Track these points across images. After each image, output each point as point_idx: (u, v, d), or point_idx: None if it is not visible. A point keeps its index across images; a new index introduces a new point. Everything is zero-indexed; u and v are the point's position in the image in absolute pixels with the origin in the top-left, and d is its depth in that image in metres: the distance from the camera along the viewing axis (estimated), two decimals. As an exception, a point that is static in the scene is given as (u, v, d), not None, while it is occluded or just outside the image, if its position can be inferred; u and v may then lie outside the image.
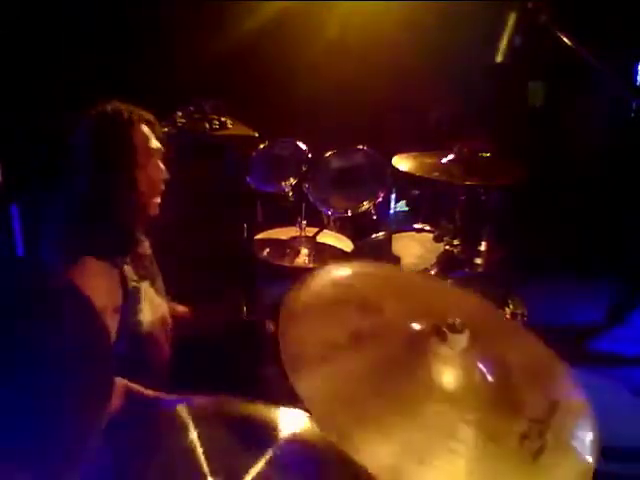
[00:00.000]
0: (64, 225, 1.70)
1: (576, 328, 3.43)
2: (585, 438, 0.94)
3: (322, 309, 1.09)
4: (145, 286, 1.76)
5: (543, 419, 0.94)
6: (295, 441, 1.11)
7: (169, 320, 1.92)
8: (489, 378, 1.02)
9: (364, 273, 1.24)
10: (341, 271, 1.22)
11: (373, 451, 0.86)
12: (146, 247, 1.87)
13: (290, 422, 1.15)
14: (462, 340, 1.05)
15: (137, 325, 1.71)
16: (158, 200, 1.80)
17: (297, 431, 1.13)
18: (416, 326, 1.06)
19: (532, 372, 1.07)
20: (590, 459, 0.91)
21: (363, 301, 1.10)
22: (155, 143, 1.75)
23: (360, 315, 1.07)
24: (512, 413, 0.96)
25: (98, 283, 1.59)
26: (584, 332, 3.38)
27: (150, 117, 1.75)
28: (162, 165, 1.78)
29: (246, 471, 1.05)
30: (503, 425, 0.94)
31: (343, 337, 1.03)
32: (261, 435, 1.12)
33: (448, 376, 1.00)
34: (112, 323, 1.62)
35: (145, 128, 1.72)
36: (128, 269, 1.69)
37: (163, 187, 1.80)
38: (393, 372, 1.00)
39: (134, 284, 1.70)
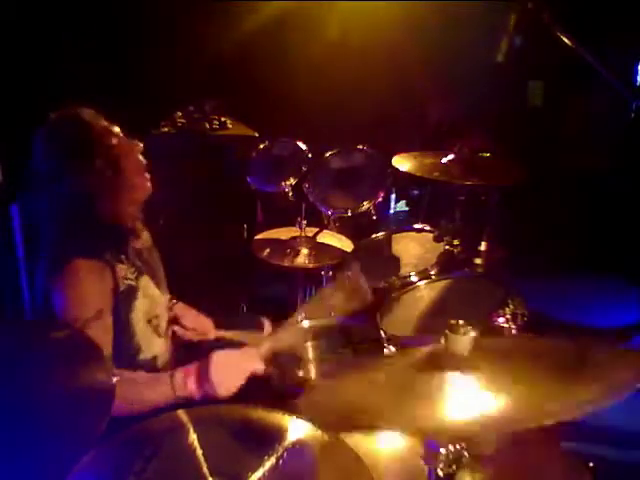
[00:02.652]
0: (50, 228, 1.69)
1: (577, 328, 3.42)
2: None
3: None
4: (144, 281, 1.75)
5: (572, 361, 1.01)
6: (297, 446, 1.11)
7: (168, 313, 1.93)
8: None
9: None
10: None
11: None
12: (145, 239, 1.86)
13: (293, 428, 1.15)
14: (465, 341, 1.05)
15: (133, 322, 1.71)
16: (146, 178, 1.76)
17: (300, 437, 1.13)
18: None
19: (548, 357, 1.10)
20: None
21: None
22: (110, 125, 1.72)
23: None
24: (534, 372, 1.02)
25: (90, 284, 1.59)
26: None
27: (91, 111, 1.71)
28: (129, 140, 1.74)
29: (247, 475, 1.05)
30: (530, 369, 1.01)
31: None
32: (262, 440, 1.12)
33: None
34: (109, 322, 1.62)
35: (92, 113, 1.70)
36: (122, 267, 1.68)
37: (144, 161, 1.75)
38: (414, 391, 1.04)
39: (129, 282, 1.69)
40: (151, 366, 1.76)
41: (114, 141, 1.70)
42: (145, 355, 1.75)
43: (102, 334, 1.56)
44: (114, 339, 1.63)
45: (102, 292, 1.62)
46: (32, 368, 0.99)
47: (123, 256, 1.71)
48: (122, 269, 1.68)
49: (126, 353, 1.69)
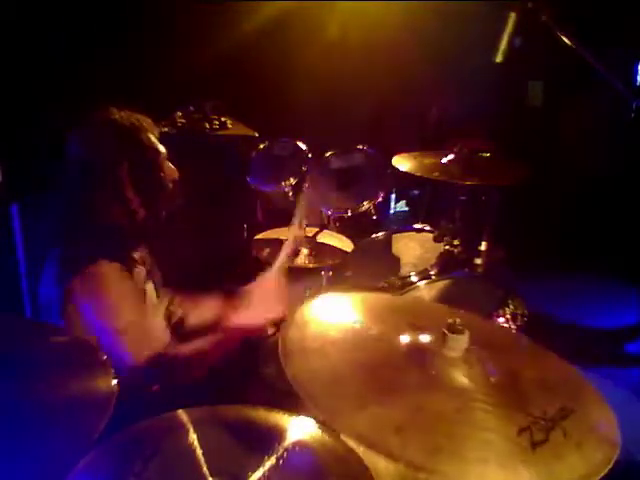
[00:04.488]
0: (70, 230, 1.68)
1: (576, 328, 3.43)
2: (600, 449, 0.95)
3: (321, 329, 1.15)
4: (149, 287, 1.77)
5: (550, 419, 0.97)
6: (297, 447, 1.11)
7: (166, 319, 1.93)
8: (492, 380, 1.05)
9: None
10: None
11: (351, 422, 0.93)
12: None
13: (293, 428, 1.15)
14: (462, 340, 1.05)
15: None
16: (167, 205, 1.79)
17: (300, 437, 1.13)
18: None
19: (546, 383, 1.09)
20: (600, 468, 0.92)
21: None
22: (161, 145, 1.76)
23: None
24: (512, 409, 0.99)
25: (123, 284, 1.59)
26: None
27: (149, 121, 1.74)
28: (171, 165, 1.79)
29: (247, 475, 1.05)
30: (502, 416, 0.97)
31: (342, 339, 1.08)
32: (262, 440, 1.12)
33: (450, 373, 1.03)
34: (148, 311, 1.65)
35: (150, 132, 1.73)
36: (137, 271, 1.69)
37: (172, 187, 1.79)
38: (388, 368, 1.05)
39: (141, 286, 1.71)
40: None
41: (164, 161, 1.73)
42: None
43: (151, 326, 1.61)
44: None
45: (134, 291, 1.63)
46: (32, 369, 1.00)
47: (137, 261, 1.72)
48: (137, 273, 1.69)
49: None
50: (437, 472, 0.86)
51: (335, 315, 1.18)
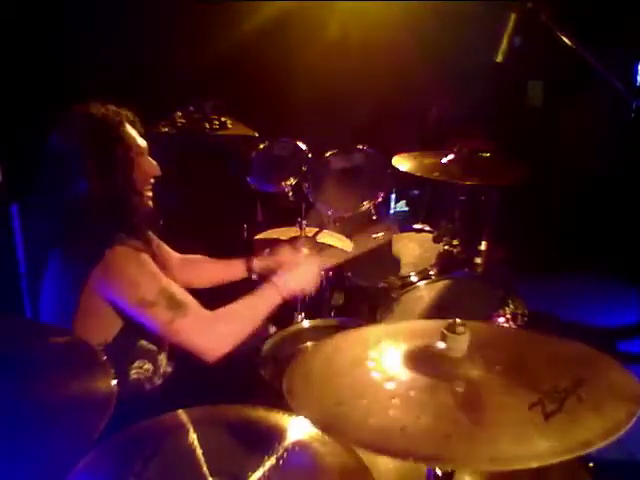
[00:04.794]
0: (77, 227, 1.67)
1: (577, 328, 3.43)
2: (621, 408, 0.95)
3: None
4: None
5: (562, 391, 0.97)
6: (297, 447, 1.11)
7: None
8: (498, 369, 1.04)
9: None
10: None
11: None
12: None
13: (293, 428, 1.15)
14: (462, 340, 1.05)
15: None
16: (150, 194, 1.79)
17: (300, 437, 1.13)
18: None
19: (555, 363, 1.08)
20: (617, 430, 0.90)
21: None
22: (141, 140, 1.75)
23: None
24: (522, 390, 0.99)
25: (140, 260, 1.60)
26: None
27: (131, 115, 1.74)
28: (153, 161, 1.77)
29: (247, 475, 1.05)
30: (511, 398, 0.98)
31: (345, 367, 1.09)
32: (262, 440, 1.12)
33: (452, 371, 1.03)
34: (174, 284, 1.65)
35: (130, 126, 1.72)
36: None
37: (153, 181, 1.78)
38: (391, 380, 1.04)
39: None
40: (151, 354, 1.76)
41: (142, 157, 1.73)
42: (148, 344, 1.74)
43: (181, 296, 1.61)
44: (125, 324, 1.64)
45: (152, 264, 1.63)
46: (32, 369, 1.00)
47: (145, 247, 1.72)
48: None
49: (133, 338, 1.69)
50: (450, 460, 0.86)
51: (336, 349, 1.18)
